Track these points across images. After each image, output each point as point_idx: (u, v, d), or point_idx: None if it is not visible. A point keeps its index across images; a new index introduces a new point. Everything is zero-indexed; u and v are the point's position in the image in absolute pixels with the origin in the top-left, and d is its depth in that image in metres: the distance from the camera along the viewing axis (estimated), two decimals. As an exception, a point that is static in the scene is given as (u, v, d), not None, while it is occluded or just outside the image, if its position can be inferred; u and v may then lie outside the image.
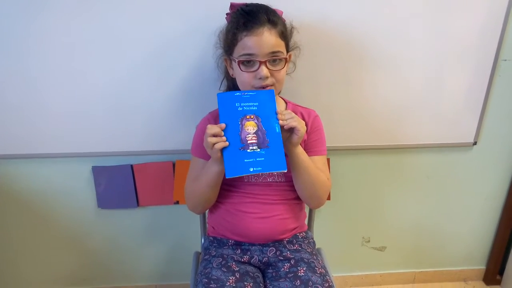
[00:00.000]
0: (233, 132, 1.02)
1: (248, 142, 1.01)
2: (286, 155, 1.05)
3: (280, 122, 1.03)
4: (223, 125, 1.02)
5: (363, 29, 1.36)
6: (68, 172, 1.53)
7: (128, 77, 1.37)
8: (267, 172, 1.01)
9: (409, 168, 1.66)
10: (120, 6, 1.27)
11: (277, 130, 1.03)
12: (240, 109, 1.04)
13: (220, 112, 1.05)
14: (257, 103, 1.05)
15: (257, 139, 1.01)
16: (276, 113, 1.04)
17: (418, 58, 1.43)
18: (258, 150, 1.01)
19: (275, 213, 1.18)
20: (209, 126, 1.03)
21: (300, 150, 1.10)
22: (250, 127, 1.03)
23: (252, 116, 1.04)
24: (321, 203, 1.23)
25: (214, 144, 1.00)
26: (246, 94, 1.05)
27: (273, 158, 1.00)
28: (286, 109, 1.21)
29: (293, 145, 1.07)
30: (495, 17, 1.40)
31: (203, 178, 1.13)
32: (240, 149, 1.00)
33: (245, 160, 0.99)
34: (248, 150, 1.00)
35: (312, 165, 1.13)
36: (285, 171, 1.01)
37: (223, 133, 1.01)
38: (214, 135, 1.01)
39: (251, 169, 0.99)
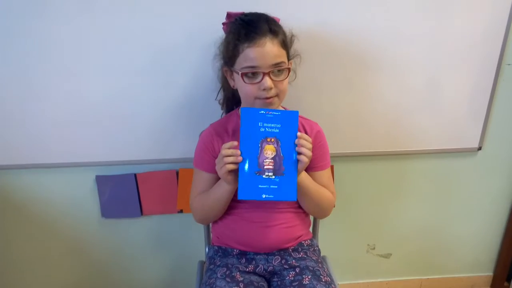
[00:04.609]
0: (252, 154, 1.02)
1: (265, 167, 1.02)
2: None
3: (300, 148, 1.02)
4: (235, 143, 1.02)
5: (364, 35, 1.36)
6: (71, 181, 1.53)
7: (131, 86, 1.37)
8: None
9: (414, 174, 1.65)
10: (124, 14, 1.28)
11: (294, 157, 1.03)
12: (262, 129, 1.03)
13: (242, 127, 1.04)
14: (279, 125, 1.04)
15: (273, 165, 1.02)
16: (296, 137, 1.03)
17: (421, 64, 1.42)
18: (273, 177, 1.02)
19: (280, 221, 1.17)
20: (224, 146, 1.04)
21: (302, 177, 1.09)
22: (269, 151, 1.03)
23: (272, 140, 1.04)
24: (325, 216, 1.24)
25: (226, 164, 1.01)
26: (271, 114, 1.04)
27: (286, 188, 1.02)
28: None
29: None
30: (498, 21, 1.40)
31: (214, 194, 1.13)
32: (256, 173, 1.01)
33: (259, 186, 1.01)
34: (264, 176, 1.01)
35: (315, 189, 1.14)
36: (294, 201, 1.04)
37: (239, 152, 1.01)
38: (229, 155, 1.01)
39: (264, 196, 1.00)
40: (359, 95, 1.45)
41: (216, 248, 1.25)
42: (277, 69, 1.05)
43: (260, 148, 1.02)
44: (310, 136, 1.17)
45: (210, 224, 1.32)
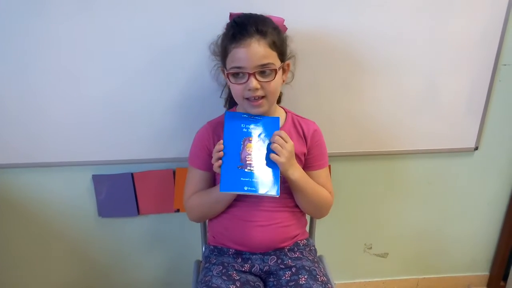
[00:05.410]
0: (235, 150, 1.05)
1: (247, 162, 1.04)
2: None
3: (272, 145, 1.05)
4: (221, 141, 1.06)
5: (362, 35, 1.36)
6: (68, 181, 1.52)
7: (128, 85, 1.37)
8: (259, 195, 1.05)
9: (410, 174, 1.65)
10: (123, 13, 1.27)
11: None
12: (244, 130, 1.07)
13: (225, 128, 1.07)
14: (261, 127, 1.08)
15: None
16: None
17: (417, 64, 1.43)
18: (255, 171, 1.04)
19: (276, 221, 1.17)
20: (219, 142, 1.06)
21: (295, 176, 1.09)
22: (251, 148, 1.06)
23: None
24: (323, 215, 1.25)
25: (213, 160, 1.05)
26: (253, 118, 1.09)
27: (268, 182, 1.04)
28: (286, 119, 1.21)
29: (282, 172, 1.07)
30: (495, 22, 1.40)
31: (215, 194, 1.13)
32: (238, 167, 1.04)
33: (241, 179, 1.03)
34: (246, 170, 1.04)
35: (310, 187, 1.14)
36: (277, 196, 1.04)
37: (221, 153, 1.05)
38: (218, 151, 1.05)
39: (246, 188, 1.03)
40: (356, 96, 1.45)
41: (212, 247, 1.24)
42: (263, 70, 1.04)
43: (242, 146, 1.05)
44: (307, 135, 1.19)
45: (207, 223, 1.32)
